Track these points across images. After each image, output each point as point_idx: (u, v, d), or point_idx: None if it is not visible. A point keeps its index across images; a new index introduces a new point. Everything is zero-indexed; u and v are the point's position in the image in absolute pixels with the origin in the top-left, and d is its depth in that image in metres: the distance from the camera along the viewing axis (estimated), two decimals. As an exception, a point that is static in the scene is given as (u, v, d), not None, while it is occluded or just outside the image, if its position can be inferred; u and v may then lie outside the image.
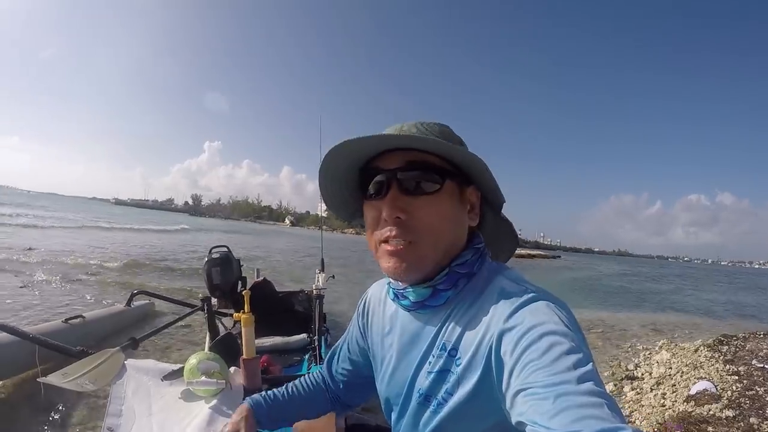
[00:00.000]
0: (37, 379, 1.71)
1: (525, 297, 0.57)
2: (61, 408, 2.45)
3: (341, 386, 0.94)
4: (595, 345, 5.71)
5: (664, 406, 3.15)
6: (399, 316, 0.74)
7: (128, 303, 4.21)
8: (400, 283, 0.68)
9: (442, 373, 0.63)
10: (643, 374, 4.23)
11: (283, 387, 0.95)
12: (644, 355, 5.18)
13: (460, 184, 0.66)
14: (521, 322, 0.53)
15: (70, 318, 3.26)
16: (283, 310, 3.38)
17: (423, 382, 0.65)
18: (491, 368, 0.55)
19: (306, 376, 0.99)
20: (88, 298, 5.53)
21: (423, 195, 0.62)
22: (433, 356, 0.64)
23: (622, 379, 4.05)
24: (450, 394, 0.61)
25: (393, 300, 0.72)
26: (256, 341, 1.77)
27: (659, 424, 2.63)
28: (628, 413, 3.10)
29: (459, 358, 0.60)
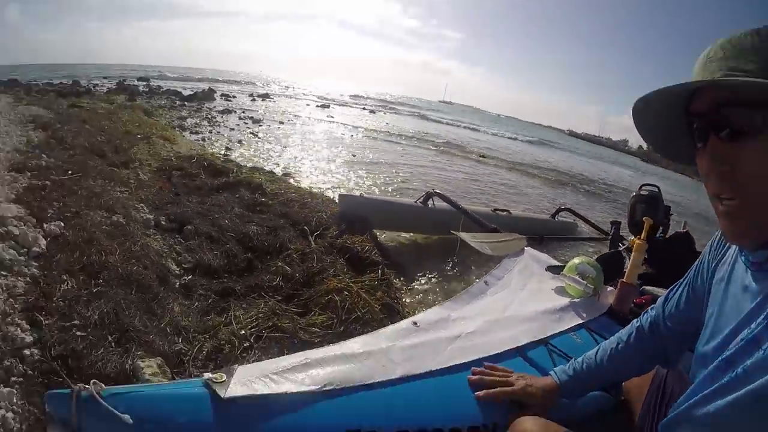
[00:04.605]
0: (452, 232, 2.42)
1: None
2: (472, 267, 3.16)
3: (668, 333, 0.84)
4: None
5: None
6: (738, 267, 0.66)
7: (553, 216, 4.77)
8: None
9: (752, 343, 0.54)
10: None
11: (594, 351, 0.92)
12: None
13: None
14: None
15: (498, 209, 4.06)
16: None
17: (732, 345, 0.58)
18: None
19: (622, 331, 0.93)
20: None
21: (746, 141, 0.50)
22: (756, 323, 0.55)
23: None
24: (748, 370, 0.52)
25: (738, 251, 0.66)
26: (648, 287, 1.76)
27: None
28: None
29: None
